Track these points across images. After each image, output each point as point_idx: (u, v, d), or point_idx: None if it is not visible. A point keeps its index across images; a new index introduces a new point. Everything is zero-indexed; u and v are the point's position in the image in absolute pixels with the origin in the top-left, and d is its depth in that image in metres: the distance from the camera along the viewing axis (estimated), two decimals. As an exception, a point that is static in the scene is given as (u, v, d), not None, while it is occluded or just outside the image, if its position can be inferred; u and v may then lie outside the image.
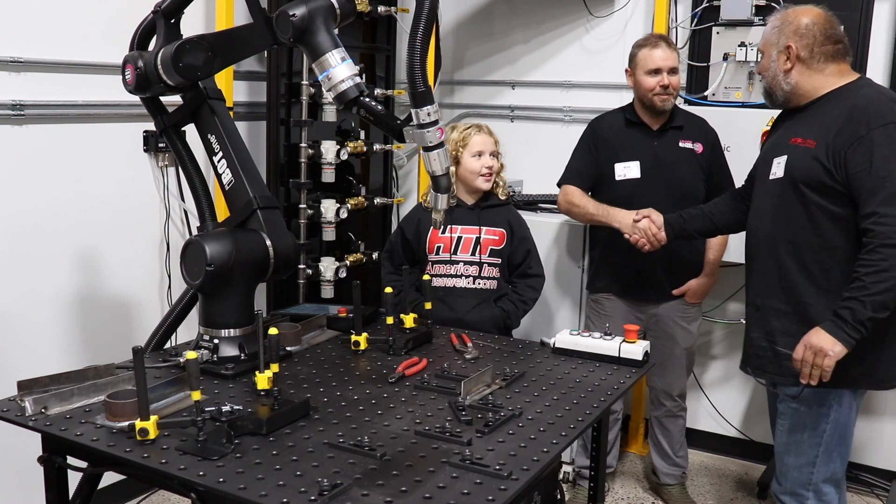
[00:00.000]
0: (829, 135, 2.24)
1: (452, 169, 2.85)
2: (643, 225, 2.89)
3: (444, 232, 2.86)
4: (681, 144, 3.10)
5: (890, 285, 2.09)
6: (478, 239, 2.90)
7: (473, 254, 2.90)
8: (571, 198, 3.16)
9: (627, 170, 3.11)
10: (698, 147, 3.10)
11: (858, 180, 2.18)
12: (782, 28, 2.39)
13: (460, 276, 2.90)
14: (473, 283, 2.90)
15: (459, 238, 2.90)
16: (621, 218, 2.99)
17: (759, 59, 2.55)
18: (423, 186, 3.93)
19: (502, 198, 3.00)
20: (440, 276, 2.89)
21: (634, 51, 3.11)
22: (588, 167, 3.19)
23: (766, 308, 2.39)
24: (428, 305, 2.41)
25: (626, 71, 3.14)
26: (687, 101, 3.59)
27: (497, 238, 2.92)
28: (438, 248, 2.91)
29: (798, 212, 2.31)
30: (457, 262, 2.90)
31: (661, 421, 3.36)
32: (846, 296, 2.15)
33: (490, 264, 2.91)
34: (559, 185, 3.23)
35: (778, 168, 2.36)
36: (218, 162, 2.16)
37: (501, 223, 2.94)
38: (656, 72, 3.01)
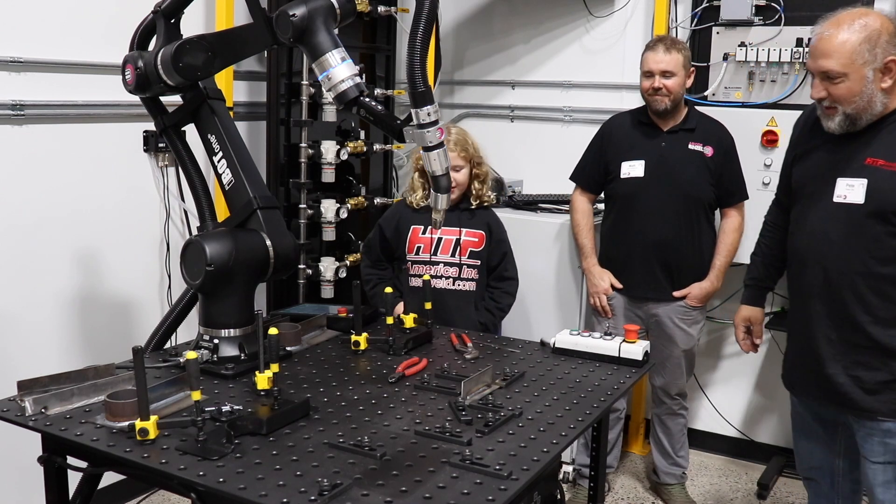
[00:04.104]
0: None
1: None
2: (601, 300, 3.21)
3: (424, 232, 2.86)
4: (690, 146, 3.10)
5: None
6: (458, 240, 2.91)
7: (453, 255, 2.91)
8: (575, 210, 3.31)
9: (633, 168, 3.13)
10: (708, 150, 3.10)
11: None
12: (873, 40, 2.03)
13: (440, 277, 2.91)
14: (453, 285, 2.91)
15: (440, 239, 2.91)
16: (596, 273, 3.22)
17: (832, 82, 2.08)
18: (422, 186, 3.92)
19: (474, 203, 2.95)
20: (420, 276, 2.88)
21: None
22: (591, 165, 3.28)
23: (843, 342, 2.22)
24: (428, 305, 2.41)
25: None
26: (686, 102, 3.59)
27: (476, 240, 2.93)
28: (418, 248, 2.92)
29: (884, 242, 2.11)
30: (437, 263, 2.91)
31: (662, 419, 3.37)
32: None
33: (469, 266, 2.92)
34: (571, 178, 3.35)
35: (851, 192, 2.14)
36: (218, 162, 2.16)
37: (481, 225, 2.95)
38: (650, 74, 3.05)
